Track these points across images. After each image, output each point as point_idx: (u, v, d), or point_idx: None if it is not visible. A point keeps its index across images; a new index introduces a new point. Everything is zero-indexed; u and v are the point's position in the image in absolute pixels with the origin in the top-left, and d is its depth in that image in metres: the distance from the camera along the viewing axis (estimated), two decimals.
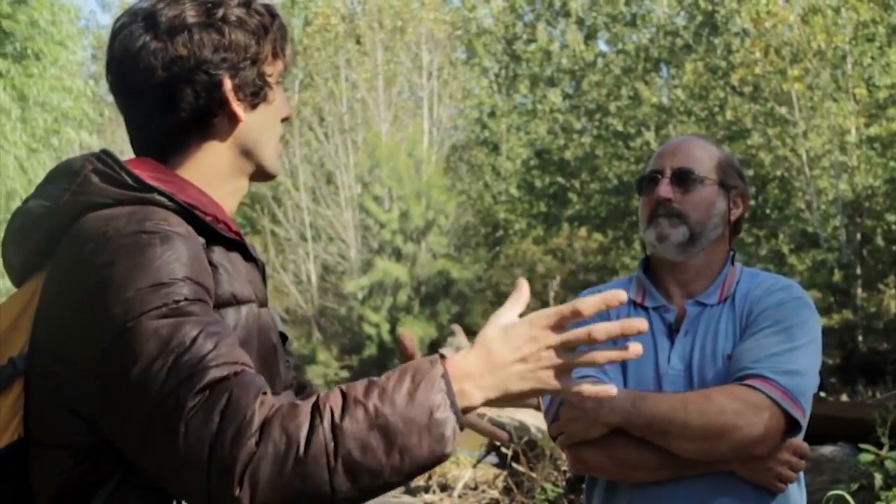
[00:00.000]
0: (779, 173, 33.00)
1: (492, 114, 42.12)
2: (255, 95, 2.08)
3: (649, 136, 36.42)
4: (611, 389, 1.82)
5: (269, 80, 2.10)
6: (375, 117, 40.08)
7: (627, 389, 2.89)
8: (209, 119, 2.04)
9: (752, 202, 36.72)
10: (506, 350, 1.78)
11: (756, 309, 2.94)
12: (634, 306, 3.05)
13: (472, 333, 37.30)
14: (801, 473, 3.02)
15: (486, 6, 43.93)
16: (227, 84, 2.03)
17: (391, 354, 36.40)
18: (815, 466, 6.77)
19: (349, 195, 39.15)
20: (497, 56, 43.09)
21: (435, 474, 12.25)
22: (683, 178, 3.02)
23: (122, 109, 2.09)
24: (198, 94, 2.01)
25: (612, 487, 2.99)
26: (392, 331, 36.63)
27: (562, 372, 1.80)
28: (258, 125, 2.10)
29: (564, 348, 1.79)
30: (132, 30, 2.03)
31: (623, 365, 2.97)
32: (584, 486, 3.18)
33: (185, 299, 1.79)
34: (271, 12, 2.12)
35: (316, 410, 1.70)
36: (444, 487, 12.29)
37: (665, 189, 3.01)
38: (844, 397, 20.15)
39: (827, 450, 7.12)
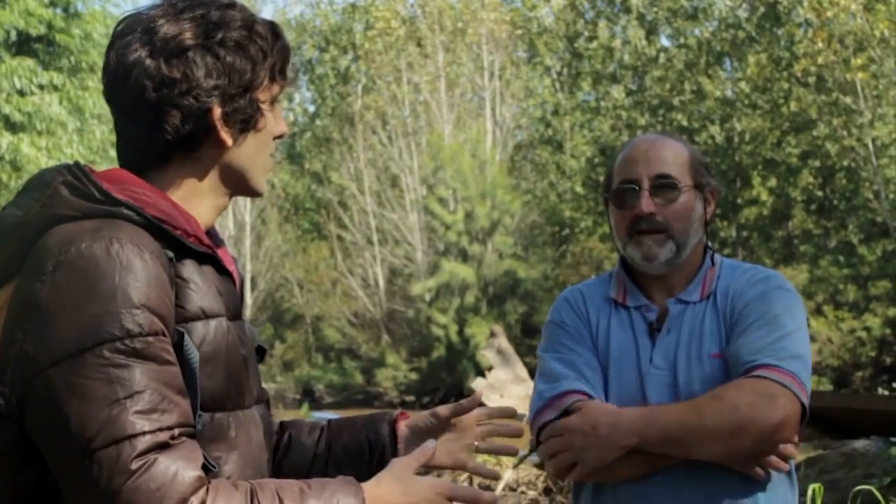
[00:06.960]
0: (846, 163, 32.62)
1: (555, 112, 41.98)
2: (245, 123, 2.06)
3: (714, 129, 36.12)
4: None
5: (262, 106, 2.08)
6: (438, 119, 40.13)
7: (635, 408, 2.82)
8: (194, 144, 2.03)
9: (820, 193, 36.55)
10: (403, 501, 2.00)
11: (739, 304, 2.88)
12: (615, 305, 2.98)
13: (538, 332, 37.22)
14: (793, 468, 2.98)
15: (546, 5, 43.79)
16: (217, 112, 2.01)
17: (460, 356, 36.40)
18: (848, 461, 6.61)
19: (414, 198, 39.24)
20: (559, 54, 42.95)
21: (475, 476, 12.17)
22: (664, 189, 2.91)
23: (113, 116, 2.08)
24: (185, 118, 1.99)
25: (599, 488, 2.93)
26: (460, 332, 36.65)
27: None
28: (246, 151, 2.09)
29: None
30: (129, 41, 2.01)
31: (604, 368, 2.92)
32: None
33: (140, 334, 1.80)
34: (276, 33, 2.10)
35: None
36: (485, 489, 12.24)
37: (647, 203, 2.89)
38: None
39: (860, 444, 6.97)
